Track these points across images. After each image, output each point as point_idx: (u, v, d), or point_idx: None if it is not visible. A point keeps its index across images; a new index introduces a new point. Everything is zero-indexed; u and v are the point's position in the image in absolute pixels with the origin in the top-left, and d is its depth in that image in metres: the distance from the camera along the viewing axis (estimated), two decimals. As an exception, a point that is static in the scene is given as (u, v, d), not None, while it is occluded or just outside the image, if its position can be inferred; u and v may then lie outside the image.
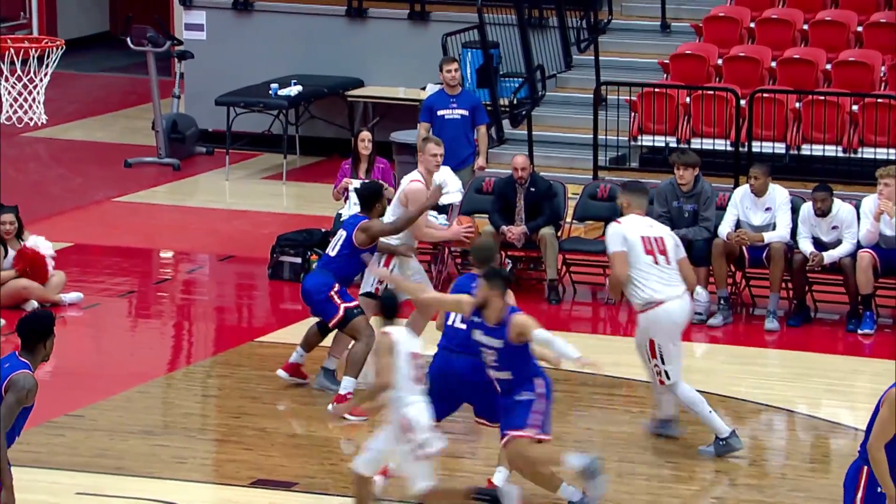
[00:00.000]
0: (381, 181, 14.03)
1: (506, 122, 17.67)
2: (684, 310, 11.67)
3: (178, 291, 15.62)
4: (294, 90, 18.70)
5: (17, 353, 9.09)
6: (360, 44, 19.06)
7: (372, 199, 12.41)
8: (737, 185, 15.44)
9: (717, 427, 11.62)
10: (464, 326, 10.72)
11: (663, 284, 11.58)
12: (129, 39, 19.34)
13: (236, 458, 11.63)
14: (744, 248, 14.56)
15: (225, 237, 16.92)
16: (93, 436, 11.88)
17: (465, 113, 16.26)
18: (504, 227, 15.16)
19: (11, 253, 14.69)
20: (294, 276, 15.58)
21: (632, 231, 11.70)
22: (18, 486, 10.93)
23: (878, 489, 8.68)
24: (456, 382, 10.87)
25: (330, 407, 12.13)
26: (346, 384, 12.24)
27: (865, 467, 8.75)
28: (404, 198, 12.94)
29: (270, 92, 18.68)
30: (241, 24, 19.44)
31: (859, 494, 8.75)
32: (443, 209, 15.84)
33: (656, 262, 11.60)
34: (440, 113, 16.29)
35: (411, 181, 13.03)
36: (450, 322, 10.98)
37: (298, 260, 15.62)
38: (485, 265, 10.89)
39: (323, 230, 15.85)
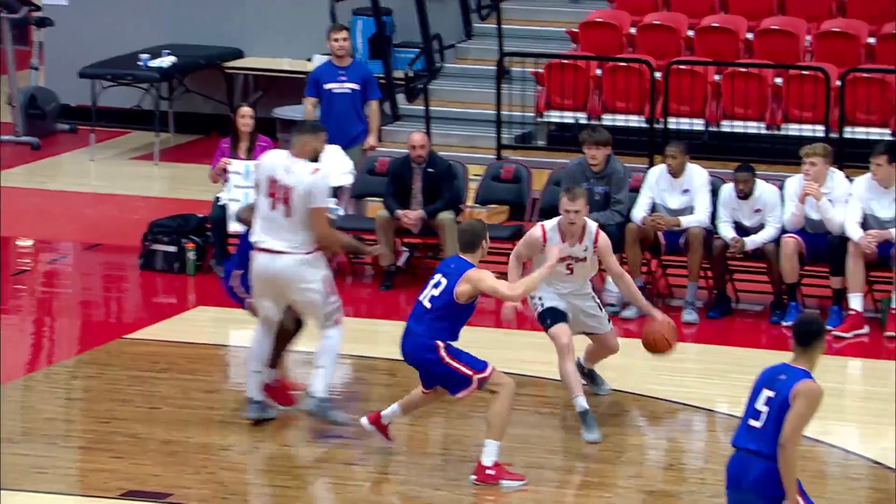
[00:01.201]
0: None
1: (401, 97, 17.68)
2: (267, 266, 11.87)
3: (39, 284, 15.51)
4: (167, 61, 18.60)
5: None
6: (241, 11, 19.00)
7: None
8: (651, 165, 15.53)
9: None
10: (426, 303, 11.42)
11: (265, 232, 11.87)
12: (-19, 5, 19.19)
13: (105, 467, 11.56)
14: (659, 233, 14.67)
15: (91, 223, 16.81)
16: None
17: (356, 87, 16.23)
18: (399, 212, 15.17)
19: None
20: (168, 266, 15.52)
21: (266, 165, 12.09)
22: None
23: (779, 487, 8.79)
24: (407, 360, 11.60)
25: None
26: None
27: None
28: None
29: (141, 63, 18.58)
30: (108, -12, 19.34)
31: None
32: (333, 192, 15.82)
33: (273, 209, 11.86)
34: (328, 87, 16.26)
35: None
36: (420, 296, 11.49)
37: (173, 249, 15.55)
38: (469, 251, 11.40)
39: (199, 216, 15.80)
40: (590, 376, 12.68)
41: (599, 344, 12.50)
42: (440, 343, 11.35)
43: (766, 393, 8.97)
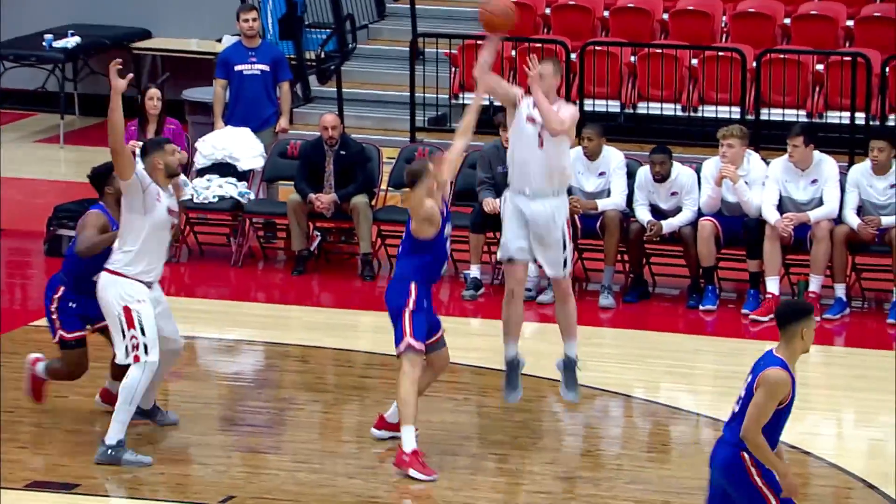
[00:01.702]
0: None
1: (312, 79, 17.67)
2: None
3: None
4: (72, 42, 18.52)
5: None
6: (147, -10, 18.94)
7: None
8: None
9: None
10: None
11: None
12: None
13: (10, 457, 11.51)
14: (575, 216, 14.73)
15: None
16: None
17: (266, 68, 16.22)
18: (311, 196, 15.18)
19: None
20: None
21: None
22: None
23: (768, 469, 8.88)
24: None
25: None
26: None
27: (745, 454, 8.92)
28: None
29: (44, 44, 18.48)
30: (11, -33, 19.23)
31: (758, 481, 8.93)
32: (243, 175, 15.81)
33: None
34: (238, 68, 16.23)
35: None
36: None
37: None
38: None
39: (106, 200, 15.73)
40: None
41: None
42: None
43: (748, 378, 9.04)
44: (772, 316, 14.21)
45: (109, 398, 11.94)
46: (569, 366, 12.04)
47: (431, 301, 11.57)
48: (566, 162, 11.85)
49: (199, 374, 13.51)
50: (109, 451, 11.36)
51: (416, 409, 11.29)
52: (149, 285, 11.44)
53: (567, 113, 11.67)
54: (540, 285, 14.71)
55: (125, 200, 11.35)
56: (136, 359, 11.32)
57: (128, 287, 11.33)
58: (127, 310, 11.31)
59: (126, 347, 11.35)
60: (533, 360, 13.01)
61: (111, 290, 11.35)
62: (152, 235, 11.36)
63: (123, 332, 11.33)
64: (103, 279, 11.39)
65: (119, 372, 11.66)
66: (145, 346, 11.31)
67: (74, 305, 11.77)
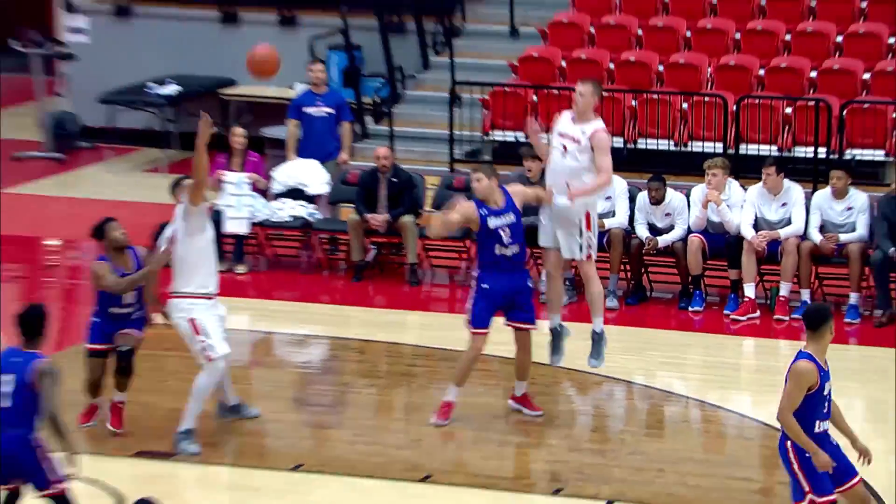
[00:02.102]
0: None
1: (369, 119, 17.67)
2: None
3: (66, 277, 15.44)
4: (172, 89, 18.56)
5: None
6: (233, 46, 18.94)
7: None
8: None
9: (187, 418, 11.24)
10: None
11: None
12: (13, 42, 19.08)
13: (122, 430, 11.48)
14: (586, 233, 14.68)
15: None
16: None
17: (331, 111, 16.23)
18: (368, 215, 15.17)
19: None
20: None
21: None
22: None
23: (806, 454, 8.83)
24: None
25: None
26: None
27: (788, 442, 8.90)
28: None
29: (149, 91, 18.52)
30: (122, 28, 19.25)
31: (796, 466, 8.91)
32: (311, 199, 15.82)
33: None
34: (307, 110, 16.25)
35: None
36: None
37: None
38: None
39: (200, 219, 15.72)
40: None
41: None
42: None
43: (828, 383, 9.04)
44: (754, 315, 14.18)
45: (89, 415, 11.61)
46: (595, 338, 12.03)
47: (502, 288, 11.60)
48: (588, 170, 11.68)
49: (275, 363, 13.52)
50: (179, 437, 11.20)
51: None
52: (208, 298, 11.27)
53: (604, 161, 11.63)
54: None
55: (185, 226, 11.20)
56: (209, 359, 11.18)
57: (186, 304, 11.17)
58: (191, 321, 11.16)
59: (198, 352, 11.22)
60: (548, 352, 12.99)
61: (175, 311, 11.22)
62: (205, 252, 11.23)
63: (193, 339, 11.20)
64: (170, 304, 11.25)
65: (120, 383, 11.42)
66: (213, 347, 11.18)
67: (100, 321, 11.54)
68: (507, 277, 11.62)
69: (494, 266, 11.60)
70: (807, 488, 8.85)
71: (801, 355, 8.94)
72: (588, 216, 11.77)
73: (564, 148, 11.67)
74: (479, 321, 11.61)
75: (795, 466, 8.88)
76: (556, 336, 12.05)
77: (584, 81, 11.78)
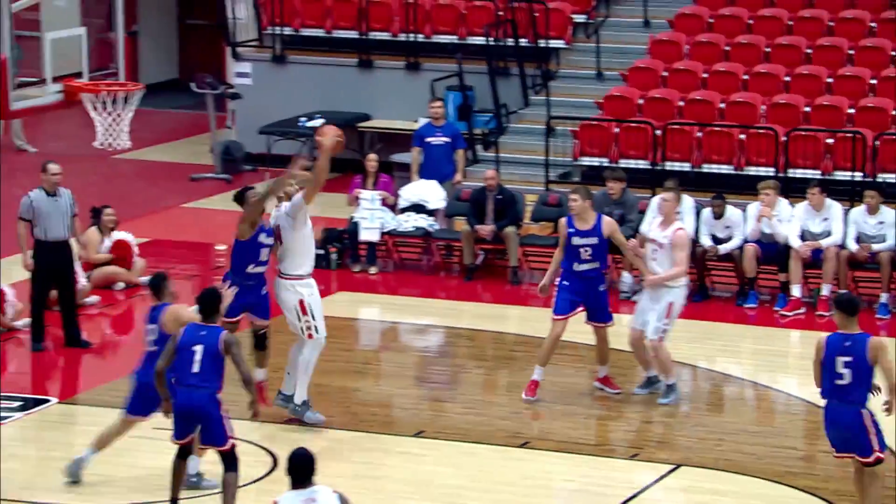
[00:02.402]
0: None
1: (479, 147, 17.64)
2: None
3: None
4: (318, 122, 18.63)
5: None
6: (368, 87, 19.04)
7: None
8: (654, 194, 15.40)
9: (299, 390, 10.87)
10: None
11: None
12: (192, 84, 19.31)
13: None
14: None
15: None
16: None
17: (448, 140, 16.22)
18: (477, 226, 15.15)
19: (107, 243, 14.64)
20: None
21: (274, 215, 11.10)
22: (110, 424, 10.81)
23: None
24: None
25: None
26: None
27: (864, 411, 8.79)
28: None
29: (300, 123, 18.64)
30: (278, 72, 19.39)
31: (871, 430, 8.82)
32: (431, 212, 15.81)
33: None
34: (428, 140, 16.25)
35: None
36: None
37: (321, 252, 15.54)
38: None
39: (340, 229, 15.82)
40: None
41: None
42: None
43: (842, 359, 8.89)
44: (800, 311, 13.96)
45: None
46: (665, 387, 11.66)
47: (579, 289, 11.43)
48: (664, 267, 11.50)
49: (400, 348, 13.53)
50: (296, 408, 11.00)
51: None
52: (310, 277, 11.02)
53: (680, 256, 11.43)
54: (633, 289, 14.52)
55: (293, 221, 10.93)
56: (310, 336, 10.92)
57: (296, 285, 10.92)
58: (300, 301, 10.90)
59: (302, 329, 10.92)
60: (627, 341, 12.86)
61: (284, 290, 10.87)
62: (308, 240, 11.05)
63: (299, 317, 10.89)
64: (279, 284, 10.88)
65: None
66: (316, 327, 10.94)
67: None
68: (584, 284, 11.48)
69: (573, 274, 11.47)
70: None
71: (863, 336, 8.88)
72: (670, 307, 11.45)
73: (654, 253, 11.49)
74: (558, 309, 11.52)
75: (871, 431, 8.79)
76: (653, 381, 11.78)
77: (667, 188, 11.63)
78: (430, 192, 15.94)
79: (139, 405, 9.96)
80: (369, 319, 14.11)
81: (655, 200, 14.63)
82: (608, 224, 11.54)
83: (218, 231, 17.02)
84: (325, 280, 15.32)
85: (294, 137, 18.72)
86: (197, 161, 19.64)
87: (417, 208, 15.80)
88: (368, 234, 15.46)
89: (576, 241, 11.44)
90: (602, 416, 11.53)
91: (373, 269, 15.50)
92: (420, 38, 18.72)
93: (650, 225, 11.67)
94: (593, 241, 11.45)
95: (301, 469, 7.34)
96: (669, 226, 11.54)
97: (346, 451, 10.82)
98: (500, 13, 18.09)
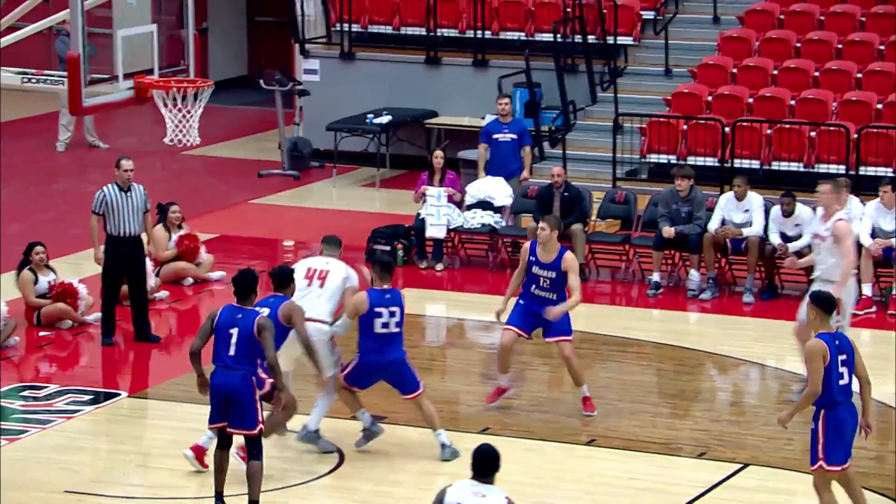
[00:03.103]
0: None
1: (546, 144, 17.61)
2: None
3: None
4: (385, 119, 18.72)
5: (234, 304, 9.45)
6: (436, 84, 19.06)
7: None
8: (722, 191, 15.31)
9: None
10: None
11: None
12: (261, 81, 19.43)
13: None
14: (728, 240, 14.47)
15: (332, 230, 16.75)
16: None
17: (514, 136, 16.20)
18: (544, 224, 15.09)
19: (174, 238, 14.78)
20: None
21: (302, 265, 10.68)
22: (179, 418, 10.95)
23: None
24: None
25: None
26: None
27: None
28: None
29: (367, 120, 18.71)
30: (346, 69, 19.47)
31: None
32: (497, 209, 15.80)
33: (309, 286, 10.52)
34: (495, 136, 16.25)
35: None
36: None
37: (388, 248, 15.64)
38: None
39: (406, 225, 15.86)
40: None
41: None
42: None
43: (841, 357, 8.83)
44: (870, 310, 13.80)
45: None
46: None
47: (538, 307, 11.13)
48: (837, 262, 11.36)
49: (466, 344, 13.53)
50: (306, 433, 10.60)
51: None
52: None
53: (846, 241, 11.28)
54: (701, 287, 14.44)
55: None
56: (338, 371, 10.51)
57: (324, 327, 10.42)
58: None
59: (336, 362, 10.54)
60: (695, 339, 12.80)
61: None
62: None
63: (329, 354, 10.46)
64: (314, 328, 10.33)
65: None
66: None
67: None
68: (541, 303, 11.16)
69: (530, 295, 11.20)
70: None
71: (842, 333, 8.88)
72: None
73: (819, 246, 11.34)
74: (511, 320, 11.27)
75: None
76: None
77: (823, 182, 11.45)
78: (497, 189, 15.93)
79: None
80: (435, 316, 14.12)
81: (724, 197, 14.56)
82: (567, 260, 11.14)
83: (285, 227, 17.15)
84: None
85: (361, 134, 18.80)
86: (265, 157, 19.76)
87: (484, 205, 15.79)
88: (435, 230, 15.49)
89: (535, 270, 11.21)
90: (669, 415, 11.47)
91: (439, 266, 15.52)
92: (488, 34, 18.71)
93: (813, 222, 11.47)
94: (551, 274, 11.17)
95: (484, 463, 7.35)
96: (830, 218, 11.40)
97: (413, 448, 10.84)
98: (568, 10, 18.04)
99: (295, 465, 10.45)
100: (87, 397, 11.74)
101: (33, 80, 10.88)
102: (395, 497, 10.07)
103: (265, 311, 9.76)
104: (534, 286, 11.26)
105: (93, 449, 10.99)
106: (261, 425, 9.46)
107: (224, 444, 9.57)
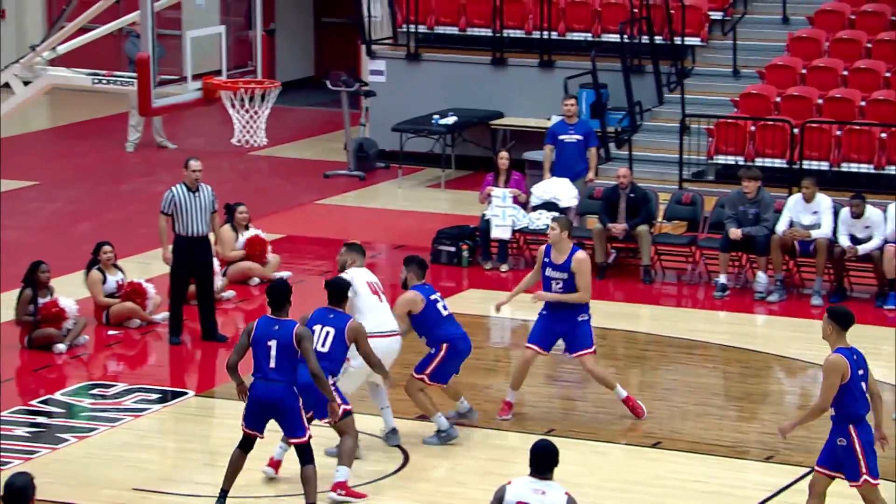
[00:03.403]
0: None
1: (612, 145, 17.54)
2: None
3: (363, 271, 15.70)
4: (451, 120, 18.73)
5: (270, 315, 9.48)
6: (501, 85, 19.05)
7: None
8: (790, 193, 15.18)
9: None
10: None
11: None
12: (328, 82, 19.52)
13: (401, 397, 11.59)
14: (796, 242, 14.33)
15: (398, 231, 16.99)
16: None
17: (580, 137, 16.15)
18: (610, 225, 15.07)
19: (241, 239, 14.89)
20: (449, 260, 15.61)
21: (359, 279, 10.62)
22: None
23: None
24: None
25: None
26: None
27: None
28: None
29: (433, 121, 18.73)
30: (412, 70, 19.51)
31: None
32: (563, 210, 15.76)
33: (380, 301, 10.57)
34: (560, 137, 16.21)
35: None
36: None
37: (453, 249, 15.65)
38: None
39: (471, 226, 15.86)
40: None
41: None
42: None
43: (859, 371, 8.77)
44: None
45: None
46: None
47: (558, 316, 11.08)
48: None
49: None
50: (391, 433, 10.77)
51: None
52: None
53: None
54: (769, 289, 14.32)
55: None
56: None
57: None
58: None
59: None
60: (763, 342, 12.69)
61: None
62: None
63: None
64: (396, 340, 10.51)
65: None
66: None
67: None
68: (561, 313, 11.04)
69: (549, 307, 11.08)
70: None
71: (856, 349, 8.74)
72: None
73: None
74: (532, 338, 11.14)
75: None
76: None
77: None
78: (562, 190, 15.89)
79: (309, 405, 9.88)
80: (500, 317, 14.10)
81: (793, 199, 14.42)
82: (577, 261, 10.98)
83: (350, 228, 17.20)
84: (457, 277, 15.38)
85: (427, 135, 18.83)
86: (331, 158, 19.85)
87: (549, 206, 15.76)
88: (500, 231, 15.48)
89: (548, 272, 11.08)
90: (736, 418, 11.38)
91: (504, 267, 15.51)
92: (554, 35, 18.68)
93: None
94: (563, 275, 11.04)
95: (541, 459, 7.38)
96: None
97: (476, 448, 10.84)
98: (636, 10, 17.96)
99: (360, 464, 10.49)
100: (154, 396, 11.85)
101: (104, 81, 10.99)
102: (458, 497, 10.07)
103: (312, 327, 9.76)
104: (549, 292, 11.06)
105: (160, 447, 11.09)
106: (309, 431, 9.50)
107: (245, 446, 9.61)
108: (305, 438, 9.50)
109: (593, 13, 18.61)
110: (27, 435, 11.00)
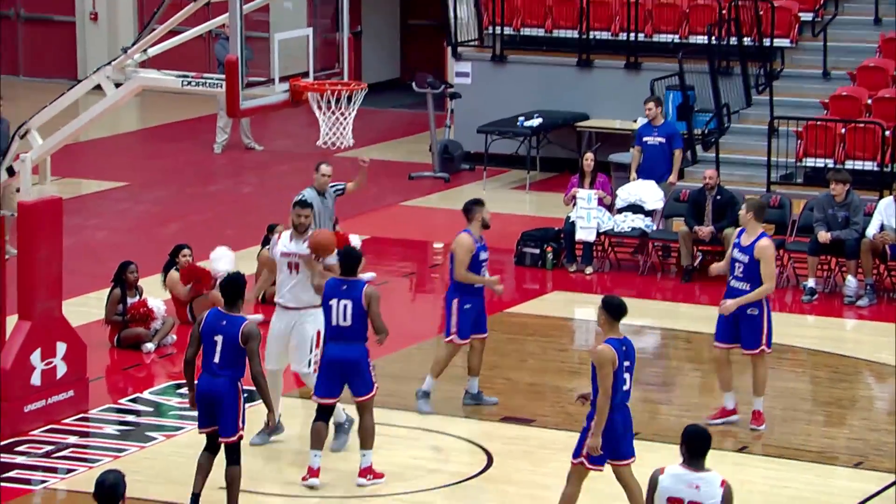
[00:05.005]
0: None
1: (699, 147, 17.42)
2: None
3: (447, 273, 15.74)
4: (536, 122, 18.72)
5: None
6: (587, 87, 19.00)
7: None
8: (881, 197, 14.96)
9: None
10: None
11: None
12: (413, 84, 19.60)
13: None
14: (886, 246, 14.12)
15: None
16: (382, 381, 11.98)
17: (663, 140, 16.08)
18: (696, 227, 14.96)
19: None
20: (533, 263, 15.60)
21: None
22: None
23: None
24: None
25: None
26: None
27: None
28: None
29: (518, 123, 18.73)
30: (498, 71, 19.53)
31: None
32: (648, 213, 15.68)
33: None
34: (646, 139, 16.14)
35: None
36: None
37: (537, 251, 15.64)
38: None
39: (556, 228, 15.83)
40: None
41: None
42: None
43: (626, 363, 8.95)
44: None
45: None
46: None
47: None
48: None
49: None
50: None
51: None
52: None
53: None
54: (858, 294, 14.12)
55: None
56: (316, 370, 10.43)
57: (319, 315, 10.39)
58: (318, 333, 10.48)
59: (310, 361, 10.54)
60: (853, 346, 12.52)
61: (309, 323, 10.50)
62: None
63: (311, 349, 10.53)
64: (301, 315, 10.45)
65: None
66: (310, 361, 10.58)
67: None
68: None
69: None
70: None
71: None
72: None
73: None
74: (716, 335, 11.09)
75: None
76: None
77: None
78: (648, 193, 15.81)
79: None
80: (584, 319, 14.07)
81: (884, 202, 14.21)
82: (760, 248, 10.77)
83: (435, 229, 17.26)
84: (541, 279, 15.37)
85: (512, 137, 18.83)
86: (415, 160, 19.92)
87: (634, 208, 15.69)
88: (585, 233, 15.44)
89: (734, 252, 11.01)
90: (824, 423, 11.25)
91: (588, 269, 15.47)
92: (641, 37, 18.59)
93: None
94: (745, 258, 10.87)
95: (694, 445, 7.10)
96: None
97: (559, 451, 10.83)
98: (724, 12, 17.83)
99: (443, 465, 10.52)
100: (246, 394, 11.96)
101: (193, 83, 11.14)
102: (542, 500, 10.06)
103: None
104: (732, 273, 10.98)
105: (246, 446, 11.21)
106: (241, 432, 9.46)
107: (211, 447, 9.60)
108: (235, 438, 9.45)
109: (681, 15, 18.50)
110: (116, 433, 11.17)
